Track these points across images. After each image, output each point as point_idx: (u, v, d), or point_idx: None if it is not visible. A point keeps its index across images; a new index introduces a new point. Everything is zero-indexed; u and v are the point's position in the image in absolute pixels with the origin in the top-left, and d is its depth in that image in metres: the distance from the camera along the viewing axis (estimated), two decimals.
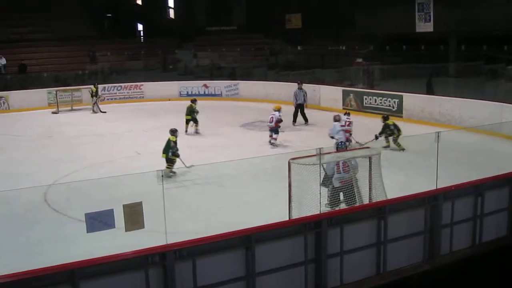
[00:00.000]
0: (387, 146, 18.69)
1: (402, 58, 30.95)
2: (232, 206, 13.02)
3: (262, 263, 8.68)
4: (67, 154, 19.59)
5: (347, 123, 18.65)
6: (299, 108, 25.21)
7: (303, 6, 39.93)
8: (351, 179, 11.50)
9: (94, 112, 29.38)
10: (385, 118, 19.45)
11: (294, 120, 24.95)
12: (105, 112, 29.39)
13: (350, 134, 18.60)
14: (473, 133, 19.71)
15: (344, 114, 19.49)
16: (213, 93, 33.41)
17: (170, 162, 16.14)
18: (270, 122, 20.19)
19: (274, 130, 20.14)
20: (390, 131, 18.94)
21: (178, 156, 16.11)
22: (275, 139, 20.07)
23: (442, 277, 10.26)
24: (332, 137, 17.73)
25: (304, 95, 25.39)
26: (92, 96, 29.80)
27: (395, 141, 18.80)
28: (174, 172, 16.04)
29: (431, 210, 10.22)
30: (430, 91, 25.81)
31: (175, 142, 16.41)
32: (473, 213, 10.84)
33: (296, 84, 26.05)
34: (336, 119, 18.26)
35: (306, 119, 24.96)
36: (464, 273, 10.46)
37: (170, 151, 16.17)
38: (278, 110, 20.76)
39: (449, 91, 25.34)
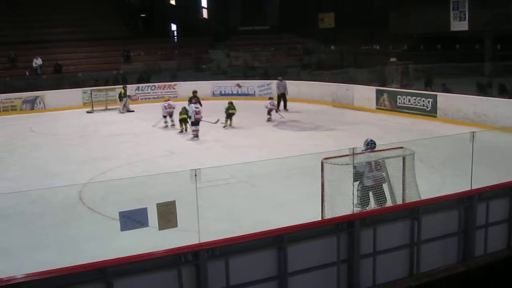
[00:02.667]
0: (225, 126, 24.14)
1: (437, 57, 30.65)
2: (265, 206, 13.04)
3: (295, 263, 8.66)
4: (102, 153, 19.81)
5: (271, 103, 25.07)
6: (282, 97, 29.36)
7: (336, 6, 39.82)
8: (383, 178, 11.45)
9: (121, 112, 29.67)
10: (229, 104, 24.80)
11: (277, 107, 28.06)
12: (133, 111, 29.74)
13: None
14: (509, 133, 19.40)
15: (269, 99, 26.14)
16: (246, 92, 33.48)
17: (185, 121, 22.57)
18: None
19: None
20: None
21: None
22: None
23: (477, 278, 10.14)
24: (190, 117, 22.11)
25: (285, 86, 29.63)
26: (120, 98, 30.13)
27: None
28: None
29: (465, 211, 10.10)
30: None
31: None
32: (508, 215, 10.68)
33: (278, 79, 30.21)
34: (193, 102, 22.85)
35: (285, 106, 29.12)
36: (499, 274, 10.32)
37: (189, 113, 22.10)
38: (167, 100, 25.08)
39: (484, 91, 25.01)
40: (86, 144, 21.83)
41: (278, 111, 26.79)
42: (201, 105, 25.45)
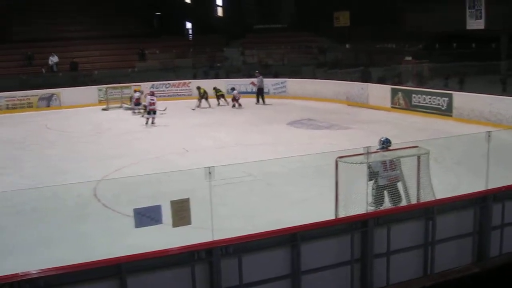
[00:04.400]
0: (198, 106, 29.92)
1: (452, 56, 30.45)
2: (279, 204, 13.02)
3: (308, 261, 8.65)
4: (116, 150, 19.89)
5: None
6: (260, 91, 31.69)
7: (352, 4, 39.64)
8: (397, 176, 11.40)
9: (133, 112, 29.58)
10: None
11: (257, 100, 31.60)
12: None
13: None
14: None
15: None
16: None
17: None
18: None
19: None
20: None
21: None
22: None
23: (492, 279, 10.07)
24: (146, 107, 25.67)
25: (261, 81, 31.75)
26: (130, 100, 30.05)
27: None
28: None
29: (480, 211, 10.02)
30: None
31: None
32: None
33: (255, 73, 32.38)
34: (145, 93, 27.43)
35: (263, 100, 31.58)
36: None
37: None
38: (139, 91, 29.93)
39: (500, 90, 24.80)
40: (101, 141, 21.95)
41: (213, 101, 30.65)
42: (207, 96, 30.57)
